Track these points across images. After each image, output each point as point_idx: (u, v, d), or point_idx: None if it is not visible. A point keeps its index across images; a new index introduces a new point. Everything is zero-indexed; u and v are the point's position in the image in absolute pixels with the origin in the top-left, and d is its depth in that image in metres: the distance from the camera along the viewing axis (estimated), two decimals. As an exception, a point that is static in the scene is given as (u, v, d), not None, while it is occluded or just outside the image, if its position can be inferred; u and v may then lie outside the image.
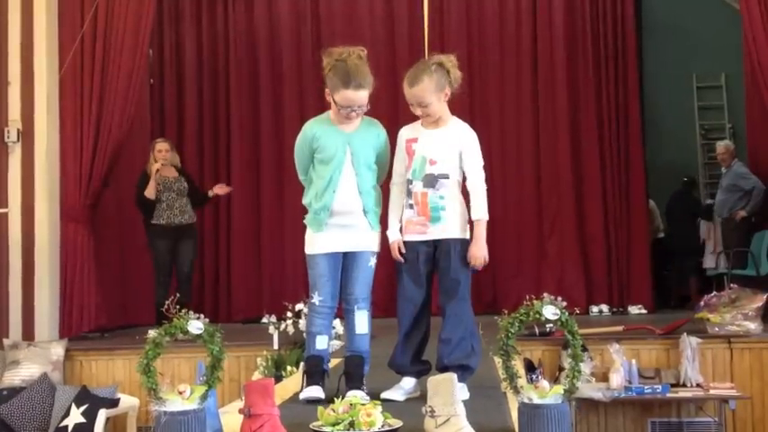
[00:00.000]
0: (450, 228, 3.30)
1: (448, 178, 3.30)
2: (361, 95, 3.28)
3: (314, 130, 3.39)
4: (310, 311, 3.44)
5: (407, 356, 3.36)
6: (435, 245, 3.32)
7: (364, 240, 3.39)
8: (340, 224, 3.36)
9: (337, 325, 4.80)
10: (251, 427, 2.44)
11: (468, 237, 3.32)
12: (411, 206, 3.34)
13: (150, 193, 6.84)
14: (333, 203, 3.33)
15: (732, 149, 8.34)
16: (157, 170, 6.87)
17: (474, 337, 3.34)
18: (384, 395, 3.24)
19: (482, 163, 3.37)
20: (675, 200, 9.26)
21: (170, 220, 6.92)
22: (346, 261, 3.39)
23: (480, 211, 3.31)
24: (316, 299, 3.38)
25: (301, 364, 3.53)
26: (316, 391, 3.24)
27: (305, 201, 3.44)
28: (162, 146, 7.06)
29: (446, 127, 3.38)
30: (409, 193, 3.35)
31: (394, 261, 3.40)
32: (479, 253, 3.28)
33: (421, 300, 3.36)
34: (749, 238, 7.79)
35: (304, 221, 3.44)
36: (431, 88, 3.30)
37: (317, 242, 3.38)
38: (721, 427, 5.60)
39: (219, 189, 7.27)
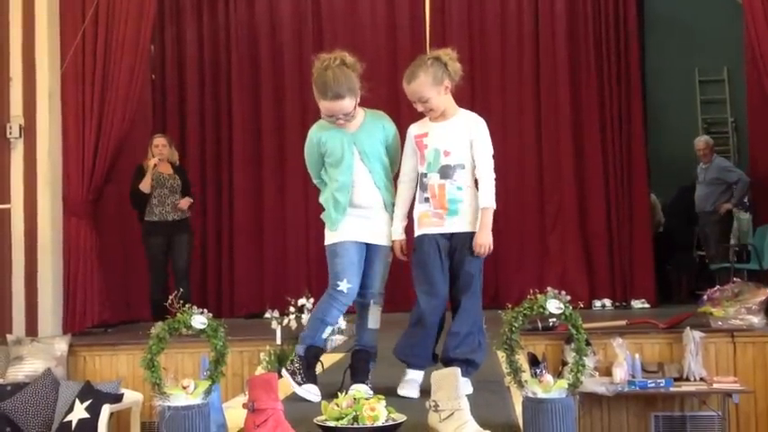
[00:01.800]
0: (465, 221, 3.29)
1: (464, 168, 3.30)
2: (341, 105, 3.25)
3: (318, 135, 3.37)
4: (331, 299, 3.30)
5: (430, 352, 3.33)
6: (451, 238, 3.31)
7: (385, 234, 3.38)
8: (361, 215, 3.35)
9: (340, 320, 4.79)
10: (255, 422, 2.44)
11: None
12: (426, 200, 3.32)
13: (145, 186, 6.87)
14: (351, 201, 3.33)
15: (712, 144, 8.45)
16: (155, 165, 6.88)
17: (481, 332, 3.33)
18: (401, 392, 3.22)
19: (491, 151, 3.35)
20: (680, 197, 9.28)
21: (163, 217, 6.94)
22: (368, 254, 3.36)
23: (488, 199, 3.29)
24: (344, 286, 3.27)
25: (297, 347, 3.43)
26: (314, 394, 3.18)
27: (322, 199, 3.43)
28: (159, 140, 7.09)
29: (455, 118, 3.37)
30: (424, 188, 3.33)
31: (410, 256, 3.38)
32: (484, 240, 3.27)
33: (446, 294, 3.35)
34: (730, 231, 7.89)
35: (321, 217, 3.42)
36: (428, 82, 3.29)
37: (342, 231, 3.33)
38: (724, 420, 5.60)
39: (183, 204, 7.04)
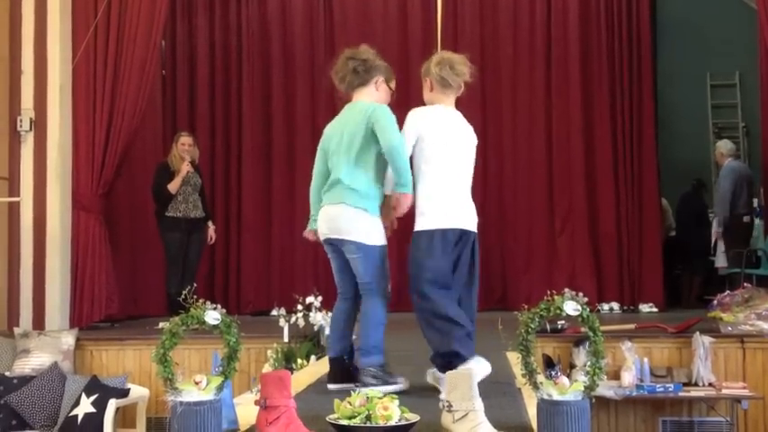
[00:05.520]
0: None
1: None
2: None
3: None
4: (386, 302, 3.41)
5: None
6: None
7: None
8: None
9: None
10: (267, 419, 2.43)
11: (423, 228, 3.39)
12: None
13: (174, 188, 6.90)
14: None
15: (723, 150, 8.39)
16: (188, 171, 6.92)
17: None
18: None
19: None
20: (684, 202, 9.27)
21: (186, 214, 7.01)
22: None
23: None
24: (389, 287, 3.43)
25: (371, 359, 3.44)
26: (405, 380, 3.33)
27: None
28: (186, 139, 7.14)
29: None
30: None
31: (408, 254, 3.44)
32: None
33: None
34: (745, 235, 7.84)
35: (372, 213, 3.41)
36: (422, 72, 3.51)
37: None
38: (733, 426, 5.57)
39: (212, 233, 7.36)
